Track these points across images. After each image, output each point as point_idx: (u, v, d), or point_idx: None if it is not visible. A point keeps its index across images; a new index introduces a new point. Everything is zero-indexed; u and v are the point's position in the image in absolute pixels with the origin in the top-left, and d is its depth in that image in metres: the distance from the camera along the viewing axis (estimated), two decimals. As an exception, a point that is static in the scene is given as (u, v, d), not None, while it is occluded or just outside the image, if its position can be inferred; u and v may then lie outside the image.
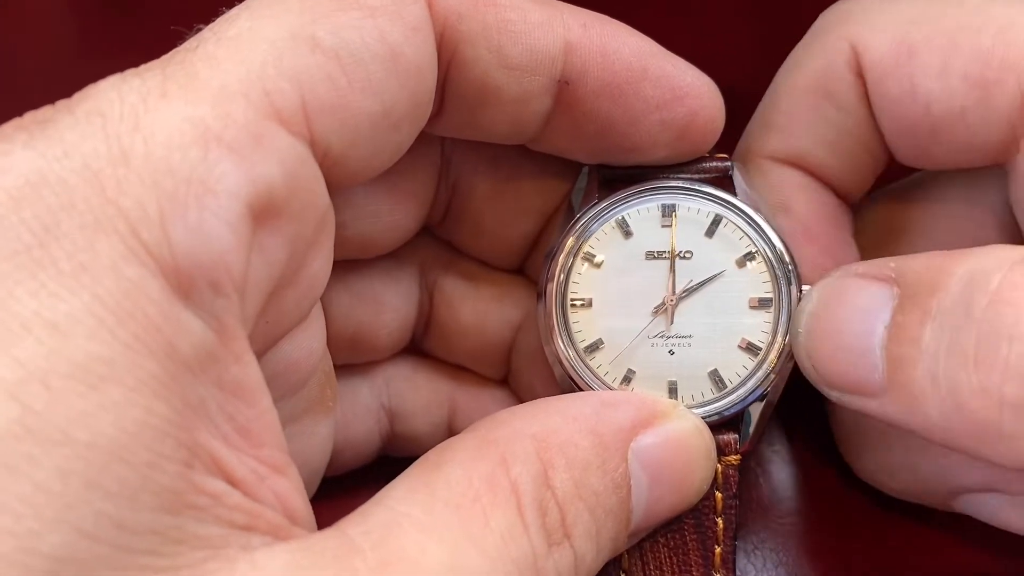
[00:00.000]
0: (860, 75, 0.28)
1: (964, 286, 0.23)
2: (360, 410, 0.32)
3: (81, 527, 0.17)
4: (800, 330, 0.27)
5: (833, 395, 0.27)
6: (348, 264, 0.30)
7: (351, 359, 0.32)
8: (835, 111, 0.29)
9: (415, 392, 0.33)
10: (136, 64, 0.22)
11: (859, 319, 0.25)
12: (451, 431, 0.33)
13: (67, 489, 0.17)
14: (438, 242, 0.32)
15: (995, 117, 0.26)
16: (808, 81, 0.29)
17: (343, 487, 0.32)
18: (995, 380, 0.22)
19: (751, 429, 0.28)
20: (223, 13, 0.23)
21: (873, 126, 0.29)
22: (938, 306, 0.24)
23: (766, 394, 0.28)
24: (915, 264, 0.25)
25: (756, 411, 0.28)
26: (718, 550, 0.27)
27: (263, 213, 0.21)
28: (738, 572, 0.31)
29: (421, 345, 0.33)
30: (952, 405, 0.23)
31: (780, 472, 0.34)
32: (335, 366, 0.30)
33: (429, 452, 0.24)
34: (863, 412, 0.26)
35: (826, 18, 0.30)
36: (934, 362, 0.23)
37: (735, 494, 0.27)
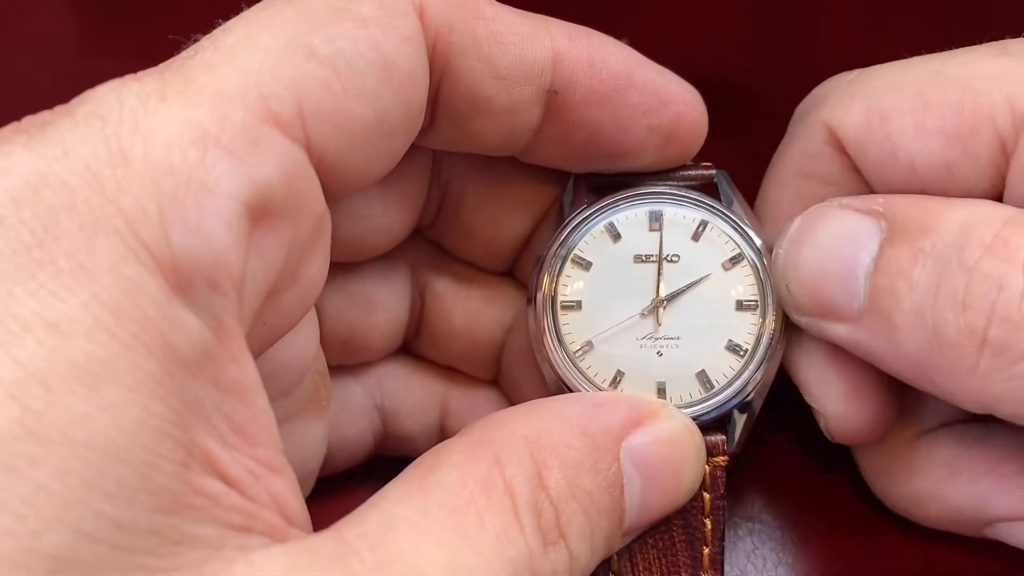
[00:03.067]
0: (840, 149, 0.29)
1: (957, 234, 0.25)
2: (353, 410, 0.32)
3: (80, 527, 0.18)
4: (780, 251, 0.28)
5: (802, 320, 0.27)
6: (341, 266, 0.30)
7: (344, 360, 0.32)
8: (821, 187, 0.29)
9: (407, 392, 0.33)
10: (136, 64, 0.23)
11: (844, 246, 0.26)
12: (443, 431, 0.33)
13: (66, 489, 0.18)
14: (429, 244, 0.32)
15: (980, 166, 0.27)
16: (790, 168, 0.30)
17: (337, 487, 0.32)
18: (981, 321, 0.24)
19: (738, 430, 0.29)
20: (219, 24, 0.23)
21: (866, 191, 0.29)
22: (931, 247, 0.25)
23: (752, 394, 0.29)
24: (904, 203, 0.26)
25: (742, 413, 0.29)
26: (706, 551, 0.28)
27: (260, 214, 0.21)
28: (738, 572, 0.32)
29: (413, 346, 0.33)
30: (934, 341, 0.24)
31: (779, 472, 0.34)
32: (328, 366, 0.30)
33: (423, 455, 0.24)
34: (827, 337, 0.27)
35: (799, 110, 0.31)
36: (923, 299, 0.25)
37: (723, 495, 0.28)
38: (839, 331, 0.26)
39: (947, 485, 0.29)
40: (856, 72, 0.30)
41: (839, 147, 0.29)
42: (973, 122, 0.26)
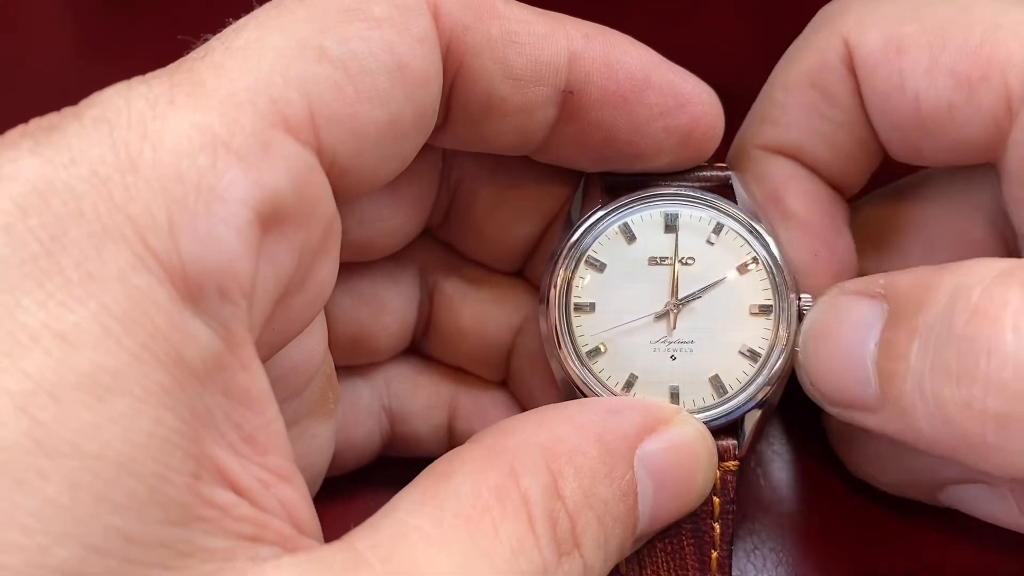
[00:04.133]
0: (852, 70, 0.29)
1: (947, 302, 0.24)
2: (361, 411, 0.32)
3: (90, 541, 0.17)
4: (798, 349, 0.28)
5: (835, 411, 0.27)
6: (349, 266, 0.30)
7: (352, 361, 0.32)
8: (828, 105, 0.29)
9: (415, 393, 0.33)
10: (136, 64, 0.22)
11: (851, 336, 0.26)
12: (451, 432, 0.33)
13: (76, 502, 0.17)
14: (439, 245, 0.32)
15: (981, 114, 0.27)
16: (803, 75, 0.30)
17: (344, 487, 0.32)
18: (977, 394, 0.23)
19: (748, 435, 0.29)
20: (229, 23, 0.23)
21: (866, 121, 0.29)
22: (924, 322, 0.24)
23: (765, 400, 0.28)
24: (903, 280, 0.26)
25: (754, 417, 0.28)
26: (715, 555, 0.28)
27: (271, 220, 0.21)
28: (738, 572, 0.32)
29: (421, 347, 0.33)
30: (940, 419, 0.24)
31: (780, 472, 0.34)
32: (336, 367, 0.30)
33: (436, 462, 0.23)
34: (862, 426, 0.26)
35: (822, 14, 0.31)
36: (921, 377, 0.24)
37: (733, 499, 0.28)
38: (870, 420, 0.26)
39: (902, 448, 0.29)
40: None
41: (851, 67, 0.28)
42: (985, 69, 0.26)
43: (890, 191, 0.33)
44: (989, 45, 0.26)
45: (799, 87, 0.30)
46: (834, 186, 0.31)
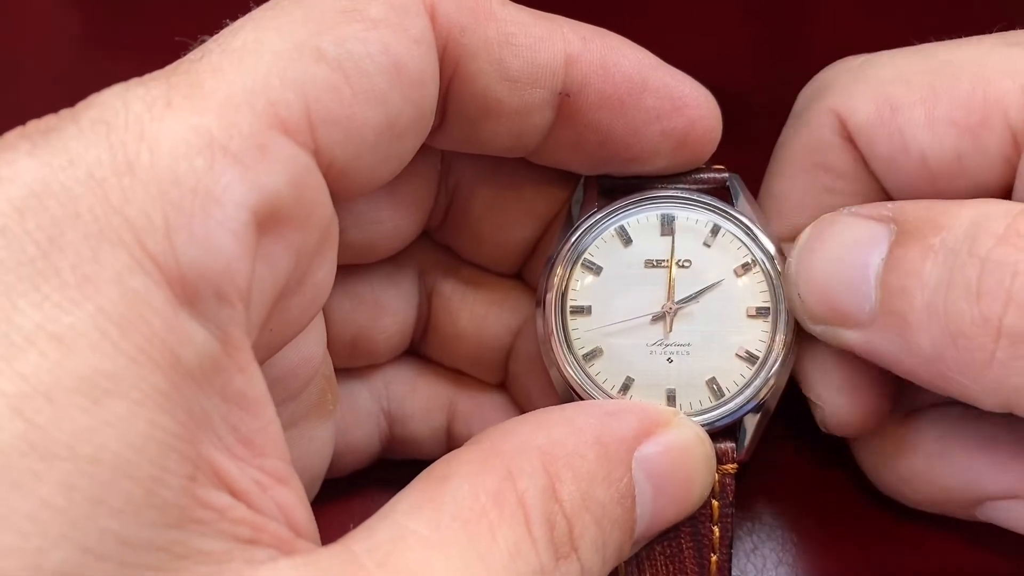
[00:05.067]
0: (850, 140, 0.29)
1: (968, 227, 0.24)
2: (360, 414, 0.32)
3: (86, 544, 0.17)
4: (791, 260, 0.27)
5: (816, 329, 0.27)
6: (348, 268, 0.30)
7: (350, 363, 0.32)
8: (833, 179, 0.29)
9: (414, 396, 0.33)
10: (138, 65, 0.22)
11: (854, 251, 0.26)
12: (450, 434, 0.33)
13: (72, 505, 0.17)
14: (437, 247, 0.32)
15: (990, 157, 0.27)
16: (799, 158, 0.30)
17: (343, 489, 0.32)
18: (996, 310, 0.23)
19: (748, 438, 0.28)
20: (227, 24, 0.23)
21: (876, 185, 0.29)
22: (941, 242, 0.24)
23: (764, 402, 0.28)
24: (914, 206, 0.26)
25: (753, 420, 0.28)
26: (714, 558, 0.28)
27: (268, 223, 0.21)
28: (738, 572, 0.32)
29: (420, 349, 0.33)
30: (948, 334, 0.24)
31: (780, 472, 0.34)
32: (334, 369, 0.30)
33: (433, 464, 0.23)
34: (841, 345, 0.26)
35: (805, 92, 0.31)
36: (935, 293, 0.24)
37: (731, 502, 0.28)
38: (853, 338, 0.26)
39: (939, 464, 0.29)
40: (862, 58, 0.30)
41: (848, 138, 0.28)
42: (984, 113, 0.26)
43: None
44: (981, 88, 0.26)
45: (799, 169, 0.30)
46: None
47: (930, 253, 0.25)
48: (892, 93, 0.27)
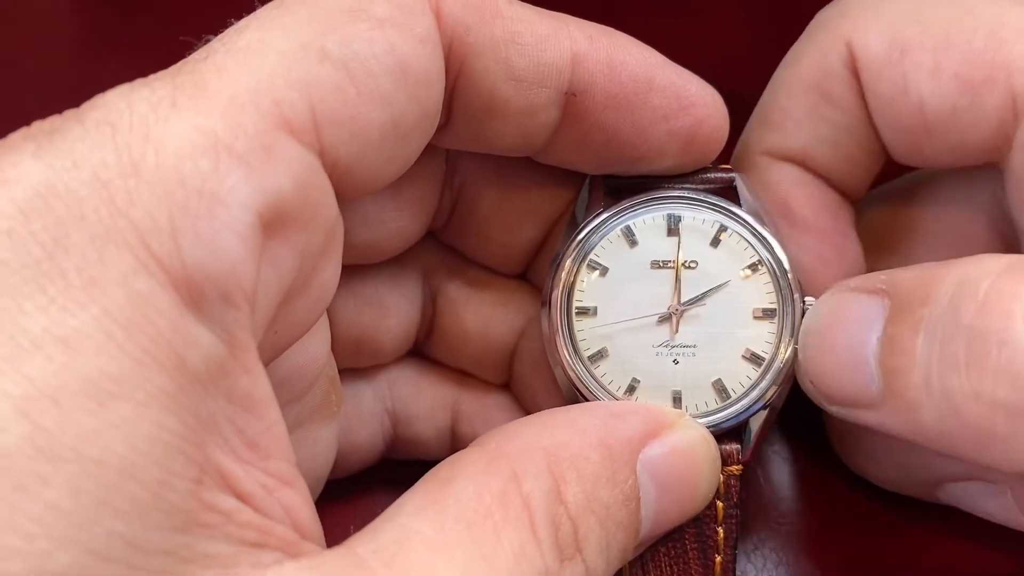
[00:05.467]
0: (856, 73, 0.28)
1: (952, 295, 0.24)
2: (364, 414, 0.32)
3: (92, 547, 0.17)
4: (797, 347, 0.28)
5: (834, 410, 0.27)
6: (352, 269, 0.30)
7: (355, 363, 0.32)
8: (832, 110, 0.29)
9: (418, 396, 0.33)
10: (138, 65, 0.22)
11: (852, 332, 0.26)
12: (454, 435, 0.33)
13: (78, 508, 0.17)
14: (442, 247, 0.32)
15: (986, 117, 0.27)
16: (806, 79, 0.29)
17: (347, 490, 0.32)
18: (987, 384, 0.23)
19: (752, 439, 0.28)
20: (231, 23, 0.22)
21: (870, 124, 0.29)
22: (929, 316, 0.24)
23: (769, 404, 0.28)
24: (905, 276, 0.26)
25: (758, 421, 0.28)
26: (718, 559, 0.28)
27: (273, 224, 0.21)
28: (739, 572, 0.32)
29: (424, 349, 0.33)
30: (947, 411, 0.23)
31: (780, 472, 0.34)
32: (339, 370, 0.30)
33: (438, 466, 0.23)
34: (861, 423, 0.26)
35: (823, 14, 0.30)
36: (927, 370, 0.24)
37: (736, 503, 0.28)
38: (869, 417, 0.26)
39: (901, 445, 0.29)
40: None
41: (854, 71, 0.28)
42: (990, 71, 0.26)
43: (889, 192, 0.33)
44: (993, 47, 0.26)
45: (802, 91, 0.30)
46: (839, 191, 0.31)
47: (920, 327, 0.24)
48: (906, 33, 0.27)
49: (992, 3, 0.27)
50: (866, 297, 0.26)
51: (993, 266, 0.24)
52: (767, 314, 0.28)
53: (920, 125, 0.27)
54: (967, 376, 0.23)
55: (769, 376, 0.28)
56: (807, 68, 0.29)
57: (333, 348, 0.29)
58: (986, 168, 0.29)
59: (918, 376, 0.24)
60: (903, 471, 0.30)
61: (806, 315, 0.28)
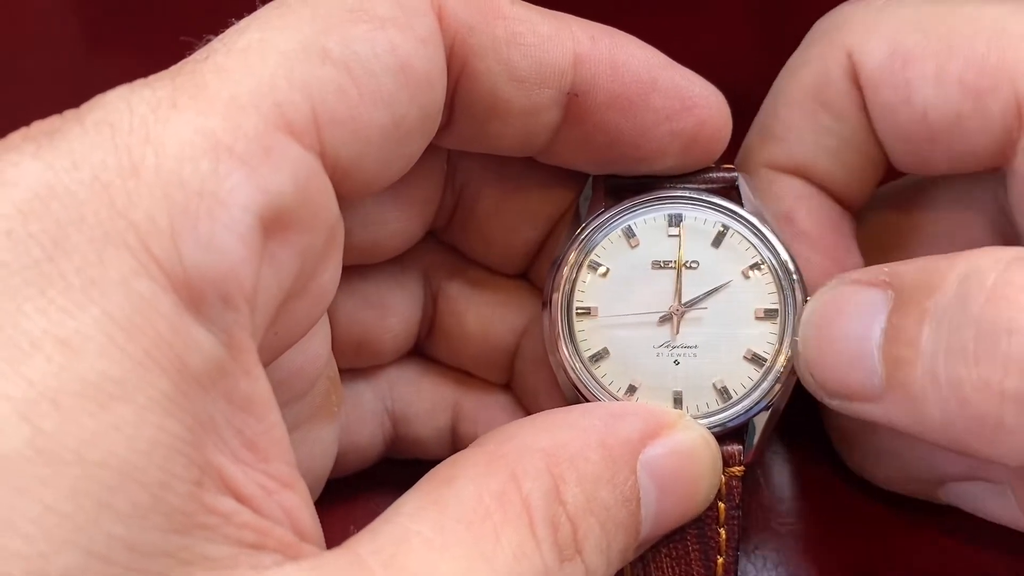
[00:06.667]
0: (857, 84, 0.28)
1: (960, 285, 0.24)
2: (364, 414, 0.32)
3: (92, 549, 0.17)
4: (797, 339, 0.27)
5: (834, 403, 0.27)
6: (353, 269, 0.30)
7: (355, 363, 0.32)
8: (833, 120, 0.29)
9: (419, 396, 0.32)
10: (140, 64, 0.22)
11: (855, 324, 0.26)
12: (455, 435, 0.33)
13: (78, 511, 0.17)
14: (442, 247, 0.32)
15: (991, 123, 0.26)
16: (806, 89, 0.29)
17: (347, 490, 0.32)
18: (996, 373, 0.22)
19: (755, 440, 0.28)
20: (232, 23, 0.22)
21: (872, 134, 0.29)
22: (935, 306, 0.24)
23: (771, 405, 0.28)
24: (909, 268, 0.25)
25: (761, 422, 0.28)
26: (720, 560, 0.28)
27: (273, 225, 0.21)
28: (739, 572, 0.32)
29: (425, 349, 0.33)
30: (954, 402, 0.23)
31: (780, 472, 0.34)
32: (339, 370, 0.30)
33: (438, 466, 0.23)
34: (865, 419, 0.26)
35: (823, 24, 0.30)
36: (933, 361, 0.24)
37: (738, 505, 0.28)
38: (870, 411, 0.26)
39: (901, 443, 0.29)
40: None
41: (856, 81, 0.28)
42: (994, 78, 0.26)
43: (890, 195, 0.33)
44: (996, 53, 0.26)
45: (804, 102, 0.29)
46: (840, 201, 0.31)
47: (926, 318, 0.24)
48: (907, 42, 0.27)
49: (994, 9, 0.27)
50: (869, 289, 0.26)
51: (1001, 256, 0.23)
52: (769, 314, 0.28)
53: (924, 133, 0.27)
54: (976, 366, 0.23)
55: (771, 377, 0.28)
56: (807, 78, 0.29)
57: (334, 348, 0.29)
58: (986, 173, 0.29)
59: (923, 367, 0.24)
60: (905, 471, 0.30)
61: (806, 306, 0.27)
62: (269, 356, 0.23)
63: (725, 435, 0.28)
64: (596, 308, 0.28)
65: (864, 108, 0.28)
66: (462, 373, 0.33)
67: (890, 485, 0.32)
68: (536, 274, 0.32)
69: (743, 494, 0.28)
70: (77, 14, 0.40)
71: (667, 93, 0.27)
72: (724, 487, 0.27)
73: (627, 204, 0.29)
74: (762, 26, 0.41)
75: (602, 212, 0.29)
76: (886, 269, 0.26)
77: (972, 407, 0.23)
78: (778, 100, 0.30)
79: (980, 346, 0.23)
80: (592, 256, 0.29)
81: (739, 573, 0.31)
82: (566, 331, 0.28)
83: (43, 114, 0.21)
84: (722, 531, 0.28)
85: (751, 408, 0.28)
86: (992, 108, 0.26)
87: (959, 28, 0.27)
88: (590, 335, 0.28)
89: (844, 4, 0.30)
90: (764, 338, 0.28)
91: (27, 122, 0.21)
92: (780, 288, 0.28)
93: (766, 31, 0.40)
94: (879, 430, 0.30)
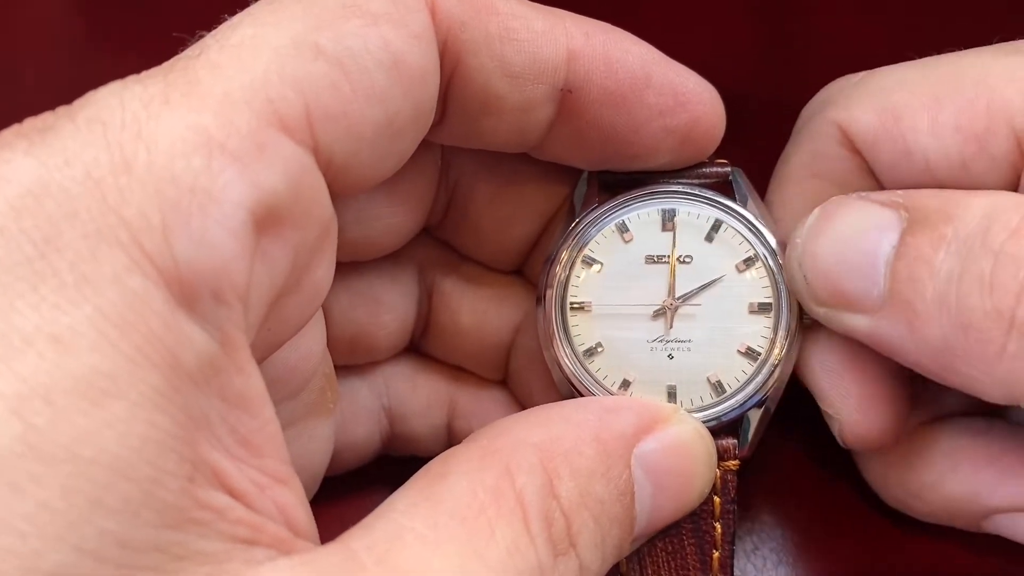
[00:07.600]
0: (852, 149, 0.28)
1: (981, 218, 0.24)
2: (360, 411, 0.32)
3: (84, 545, 0.17)
4: (797, 240, 0.27)
5: (820, 312, 0.27)
6: (347, 265, 0.30)
7: (350, 360, 0.32)
8: (833, 188, 0.29)
9: (415, 393, 0.33)
10: (140, 62, 0.22)
11: (864, 235, 0.26)
12: (450, 431, 0.33)
13: (70, 507, 0.17)
14: (437, 243, 0.32)
15: (997, 164, 0.27)
16: (800, 168, 0.30)
17: (343, 487, 0.32)
18: (1009, 302, 0.23)
19: (750, 435, 0.28)
20: (225, 19, 0.22)
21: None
22: (954, 233, 0.24)
23: (765, 399, 0.28)
24: (925, 195, 0.26)
25: (755, 417, 0.28)
26: (716, 555, 0.28)
27: (266, 222, 0.21)
28: (739, 572, 0.32)
29: (420, 346, 0.33)
30: (958, 325, 0.24)
31: (780, 472, 0.34)
32: (335, 367, 0.30)
33: (432, 462, 0.23)
34: (846, 332, 0.26)
35: (807, 111, 0.31)
36: (946, 284, 0.24)
37: (733, 499, 0.28)
38: (858, 323, 0.26)
39: (947, 476, 0.29)
40: (863, 73, 0.29)
41: (851, 147, 0.28)
42: (989, 119, 0.26)
43: None
44: (985, 95, 0.26)
45: (799, 180, 0.30)
46: None
47: (942, 243, 0.24)
48: (895, 101, 0.27)
49: (974, 58, 0.27)
50: (882, 207, 0.26)
51: (1022, 200, 0.24)
52: (763, 308, 0.28)
53: (931, 184, 0.27)
54: (990, 294, 0.23)
55: (765, 371, 0.28)
56: (800, 159, 0.30)
57: (328, 345, 0.29)
58: None
59: (934, 288, 0.24)
60: (947, 504, 0.30)
61: (810, 214, 0.27)
62: (263, 353, 0.23)
63: (720, 429, 0.28)
64: (590, 303, 0.28)
65: (867, 170, 0.28)
66: (457, 369, 0.33)
67: (931, 518, 0.31)
68: (530, 270, 0.32)
69: (739, 489, 0.28)
70: (77, 14, 0.40)
71: (661, 89, 0.27)
72: (719, 481, 0.27)
73: (620, 199, 0.29)
74: (761, 25, 0.41)
75: (595, 207, 0.29)
76: (900, 193, 0.26)
77: (978, 332, 0.23)
78: (778, 185, 0.30)
79: (997, 276, 0.23)
80: (586, 251, 0.29)
81: (740, 573, 0.31)
82: (560, 326, 0.28)
83: (38, 113, 0.21)
84: (718, 525, 0.28)
85: (745, 402, 0.28)
86: (995, 149, 0.26)
87: (943, 81, 0.27)
88: (584, 330, 0.28)
89: (824, 87, 0.31)
90: (758, 332, 0.28)
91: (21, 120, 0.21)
92: (774, 282, 0.28)
93: (765, 30, 0.40)
94: (918, 463, 0.30)
